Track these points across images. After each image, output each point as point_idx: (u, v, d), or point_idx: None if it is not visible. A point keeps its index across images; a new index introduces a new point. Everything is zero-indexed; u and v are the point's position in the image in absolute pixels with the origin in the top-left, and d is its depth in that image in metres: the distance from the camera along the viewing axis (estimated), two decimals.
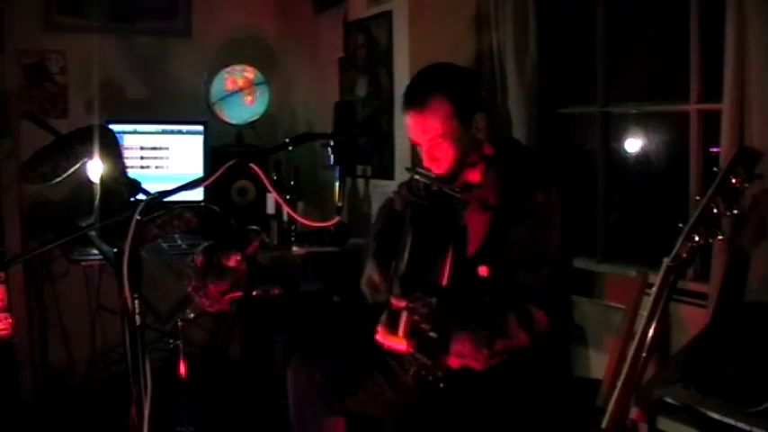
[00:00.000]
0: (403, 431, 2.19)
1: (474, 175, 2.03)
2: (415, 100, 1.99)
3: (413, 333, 1.82)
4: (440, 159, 1.99)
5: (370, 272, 2.10)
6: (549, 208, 1.93)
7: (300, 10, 3.98)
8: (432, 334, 1.79)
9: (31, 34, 3.69)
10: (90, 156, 1.71)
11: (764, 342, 1.57)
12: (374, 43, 3.35)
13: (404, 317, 1.84)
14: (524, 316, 1.86)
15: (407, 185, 2.34)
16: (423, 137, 1.98)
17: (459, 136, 1.96)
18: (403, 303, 1.84)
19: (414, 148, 2.08)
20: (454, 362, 1.86)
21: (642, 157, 2.64)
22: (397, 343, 1.87)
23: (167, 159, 3.60)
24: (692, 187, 2.30)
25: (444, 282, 1.82)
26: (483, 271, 1.92)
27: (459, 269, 1.87)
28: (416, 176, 2.05)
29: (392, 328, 1.88)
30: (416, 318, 1.79)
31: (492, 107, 2.84)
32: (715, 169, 1.63)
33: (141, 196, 1.65)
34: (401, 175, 3.11)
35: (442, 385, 1.80)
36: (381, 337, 1.91)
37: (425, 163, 2.02)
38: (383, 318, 1.92)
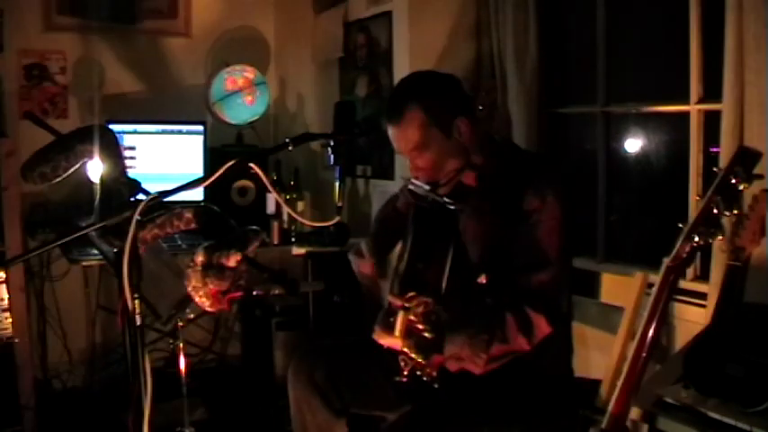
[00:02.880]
0: (403, 431, 2.18)
1: (469, 181, 2.03)
2: (391, 113, 1.99)
3: (408, 333, 1.82)
4: (424, 168, 1.98)
5: (362, 245, 2.11)
6: (547, 211, 1.92)
7: (300, 10, 3.98)
8: (427, 334, 1.79)
9: (31, 34, 3.69)
10: (90, 156, 1.70)
11: (764, 342, 1.57)
12: (374, 43, 3.35)
13: (400, 316, 1.84)
14: (524, 320, 1.86)
15: (408, 189, 2.34)
16: (403, 148, 1.98)
17: (440, 144, 1.95)
18: (399, 302, 1.84)
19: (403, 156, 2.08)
20: (452, 366, 1.86)
21: (642, 157, 2.64)
22: (393, 342, 1.87)
23: (167, 159, 3.60)
24: (691, 187, 2.30)
25: (443, 285, 1.82)
26: (483, 277, 1.92)
27: (459, 274, 1.87)
28: (410, 187, 2.05)
29: (388, 327, 1.88)
30: (412, 317, 1.79)
31: (491, 107, 2.85)
32: (715, 169, 1.63)
33: (141, 196, 1.65)
34: (401, 175, 3.12)
35: (436, 386, 1.79)
36: (378, 336, 1.92)
37: (411, 172, 2.02)
38: (380, 316, 1.92)
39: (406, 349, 1.82)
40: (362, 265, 2.16)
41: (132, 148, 3.55)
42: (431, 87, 2.01)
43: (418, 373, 1.80)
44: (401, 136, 1.97)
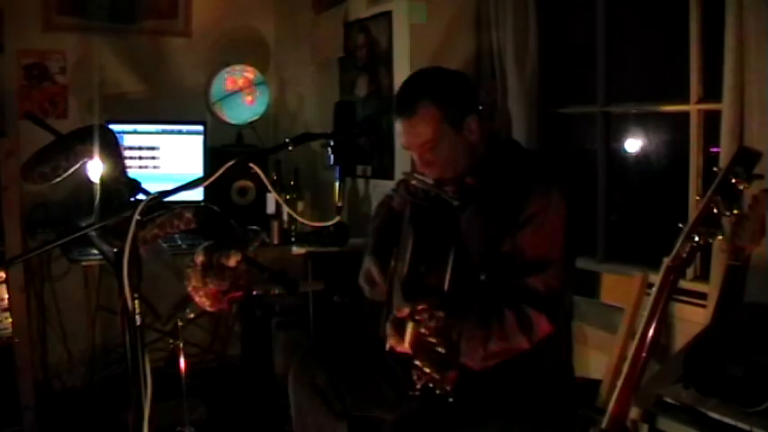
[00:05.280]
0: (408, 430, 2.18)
1: (472, 179, 2.03)
2: (404, 107, 1.98)
3: (420, 346, 1.79)
4: (433, 164, 1.98)
5: (368, 266, 2.10)
6: (550, 211, 1.92)
7: (300, 10, 3.98)
8: (440, 349, 1.76)
9: (31, 34, 3.69)
10: (90, 156, 1.70)
11: (764, 342, 1.57)
12: (374, 43, 3.35)
13: (409, 327, 1.82)
14: (524, 319, 1.86)
15: (406, 185, 2.33)
16: (414, 143, 1.98)
17: (451, 140, 1.96)
18: (406, 312, 1.81)
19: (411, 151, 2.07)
20: None
21: (642, 157, 2.64)
22: (405, 351, 1.85)
23: (167, 159, 3.60)
24: (692, 187, 2.30)
25: (446, 285, 1.81)
26: (484, 275, 1.92)
27: (461, 273, 1.86)
28: (413, 182, 2.05)
29: (399, 334, 1.86)
30: (423, 330, 1.77)
31: (491, 107, 2.85)
32: (715, 169, 1.63)
33: (141, 196, 1.65)
34: (401, 175, 3.11)
35: (451, 400, 1.77)
36: (393, 343, 1.89)
37: (419, 168, 2.02)
38: (389, 325, 1.89)
39: (418, 362, 1.80)
40: (377, 293, 2.14)
41: (132, 148, 3.55)
42: (444, 84, 2.02)
43: (431, 386, 1.78)
44: (413, 131, 1.97)
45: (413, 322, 1.78)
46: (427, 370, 1.74)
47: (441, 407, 1.90)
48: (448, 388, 1.73)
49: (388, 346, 1.90)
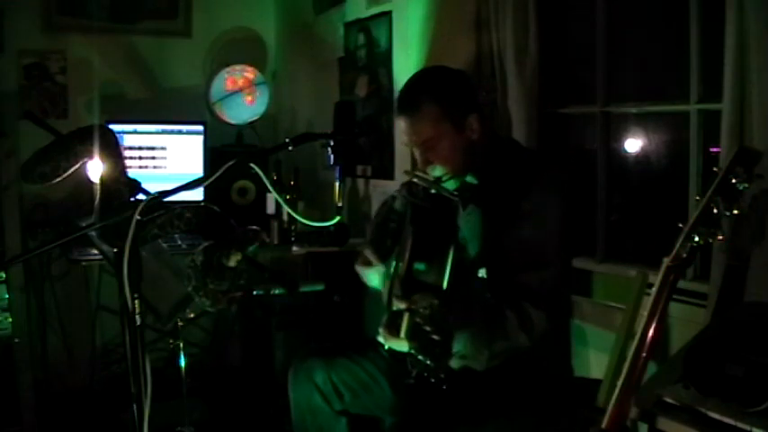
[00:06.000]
0: (403, 431, 2.19)
1: (472, 177, 2.04)
2: (406, 105, 2.01)
3: (414, 335, 1.81)
4: (434, 162, 2.00)
5: (366, 253, 2.11)
6: (549, 210, 1.93)
7: (300, 10, 3.98)
8: (434, 336, 1.78)
9: (31, 34, 3.70)
10: (90, 156, 1.70)
11: (764, 342, 1.57)
12: (374, 43, 3.35)
13: (405, 318, 1.84)
14: (524, 317, 1.87)
15: (408, 186, 2.34)
16: (415, 141, 2.00)
17: (452, 138, 1.97)
18: (404, 305, 1.83)
19: (413, 148, 2.09)
20: (455, 364, 1.86)
21: (642, 157, 2.64)
22: (399, 344, 1.87)
23: (167, 159, 3.60)
24: (692, 187, 2.30)
25: (445, 283, 1.82)
26: (483, 273, 1.93)
27: (460, 271, 1.87)
28: (415, 179, 2.06)
29: (394, 329, 1.87)
30: (418, 319, 1.79)
31: (491, 107, 2.85)
32: (715, 169, 1.63)
33: (141, 196, 1.65)
34: (401, 175, 3.12)
35: (444, 387, 1.79)
36: (383, 338, 1.91)
37: (420, 166, 2.03)
38: (384, 319, 1.92)
39: (413, 351, 1.82)
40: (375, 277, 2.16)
41: (132, 148, 3.55)
42: (446, 82, 2.04)
43: (426, 375, 1.80)
44: (415, 129, 1.99)
45: (408, 313, 1.80)
46: (421, 358, 1.76)
47: (439, 405, 1.91)
48: (442, 375, 1.75)
49: (381, 339, 1.92)
